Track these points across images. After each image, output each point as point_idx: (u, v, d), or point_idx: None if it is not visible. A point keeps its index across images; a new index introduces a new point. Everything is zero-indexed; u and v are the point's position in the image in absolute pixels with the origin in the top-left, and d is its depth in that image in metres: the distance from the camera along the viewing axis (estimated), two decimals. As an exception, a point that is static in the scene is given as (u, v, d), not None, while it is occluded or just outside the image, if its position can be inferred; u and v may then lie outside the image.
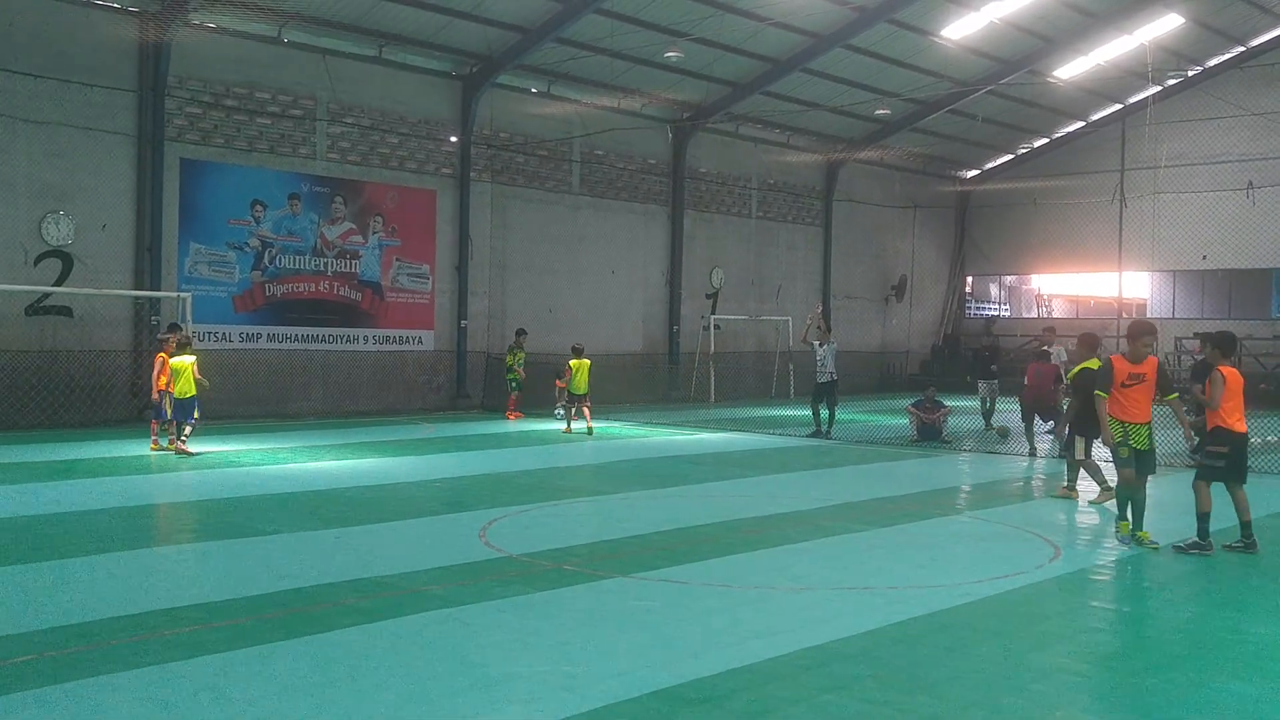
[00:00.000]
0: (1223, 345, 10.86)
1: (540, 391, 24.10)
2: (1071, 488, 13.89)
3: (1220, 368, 10.45)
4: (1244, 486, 10.47)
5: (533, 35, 24.75)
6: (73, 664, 6.42)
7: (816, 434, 20.83)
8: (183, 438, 16.45)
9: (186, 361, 16.43)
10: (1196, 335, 34.69)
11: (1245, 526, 10.44)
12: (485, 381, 26.15)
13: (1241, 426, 10.38)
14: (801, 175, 34.88)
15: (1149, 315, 38.76)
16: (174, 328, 18.25)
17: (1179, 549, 10.29)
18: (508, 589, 8.46)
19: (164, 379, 16.51)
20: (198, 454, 16.31)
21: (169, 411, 16.58)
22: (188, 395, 16.36)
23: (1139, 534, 10.46)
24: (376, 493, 13.46)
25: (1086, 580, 9.22)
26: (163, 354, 16.79)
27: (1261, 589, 9.05)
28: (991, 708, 6.01)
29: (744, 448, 19.34)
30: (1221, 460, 10.34)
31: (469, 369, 26.33)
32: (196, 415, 16.60)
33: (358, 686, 6.13)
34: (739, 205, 33.14)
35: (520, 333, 24.65)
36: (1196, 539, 10.28)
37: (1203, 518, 10.27)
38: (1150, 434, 10.30)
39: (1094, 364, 12.98)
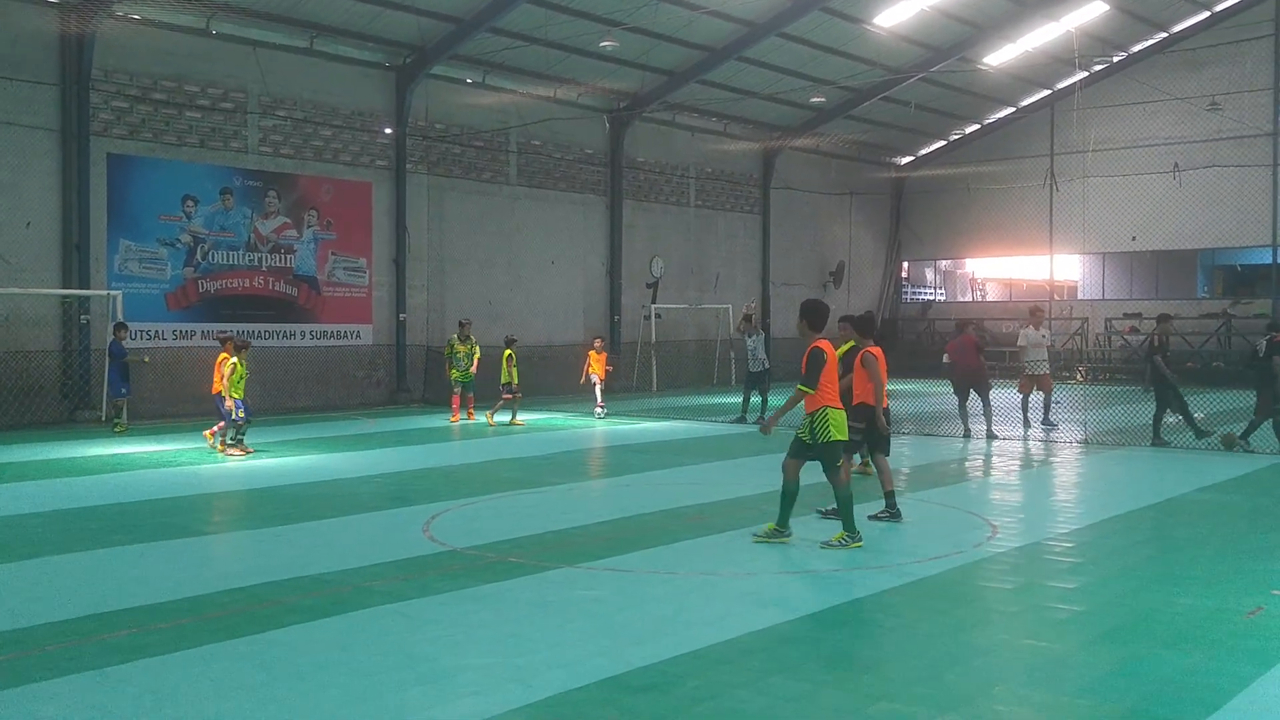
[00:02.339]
0: (863, 327, 11.29)
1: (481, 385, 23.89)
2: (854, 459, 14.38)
3: (870, 348, 11.07)
4: (887, 457, 11.19)
5: (466, 25, 24.56)
6: (7, 672, 6.29)
7: (740, 420, 20.89)
8: (223, 436, 16.38)
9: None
10: (1132, 316, 35.54)
11: (889, 496, 10.95)
12: (425, 375, 25.97)
13: (883, 402, 11.12)
14: (739, 164, 35.03)
15: (1080, 297, 39.55)
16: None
17: (873, 518, 10.75)
18: (453, 583, 8.42)
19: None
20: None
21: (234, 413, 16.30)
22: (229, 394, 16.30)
23: (770, 526, 9.85)
24: (317, 489, 13.31)
25: (1024, 558, 9.39)
26: (224, 355, 16.44)
27: (1189, 562, 9.28)
28: (935, 684, 6.11)
29: (687, 436, 19.40)
30: (858, 434, 10.87)
31: (409, 363, 26.13)
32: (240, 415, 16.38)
33: (302, 685, 6.07)
34: (677, 194, 33.20)
35: (462, 323, 22.53)
36: (889, 507, 10.87)
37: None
38: (816, 421, 9.58)
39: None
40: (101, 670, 6.30)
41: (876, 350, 11.27)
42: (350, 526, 10.85)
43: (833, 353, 9.80)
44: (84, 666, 6.36)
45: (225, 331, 17.97)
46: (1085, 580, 8.63)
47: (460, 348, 21.83)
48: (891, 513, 10.90)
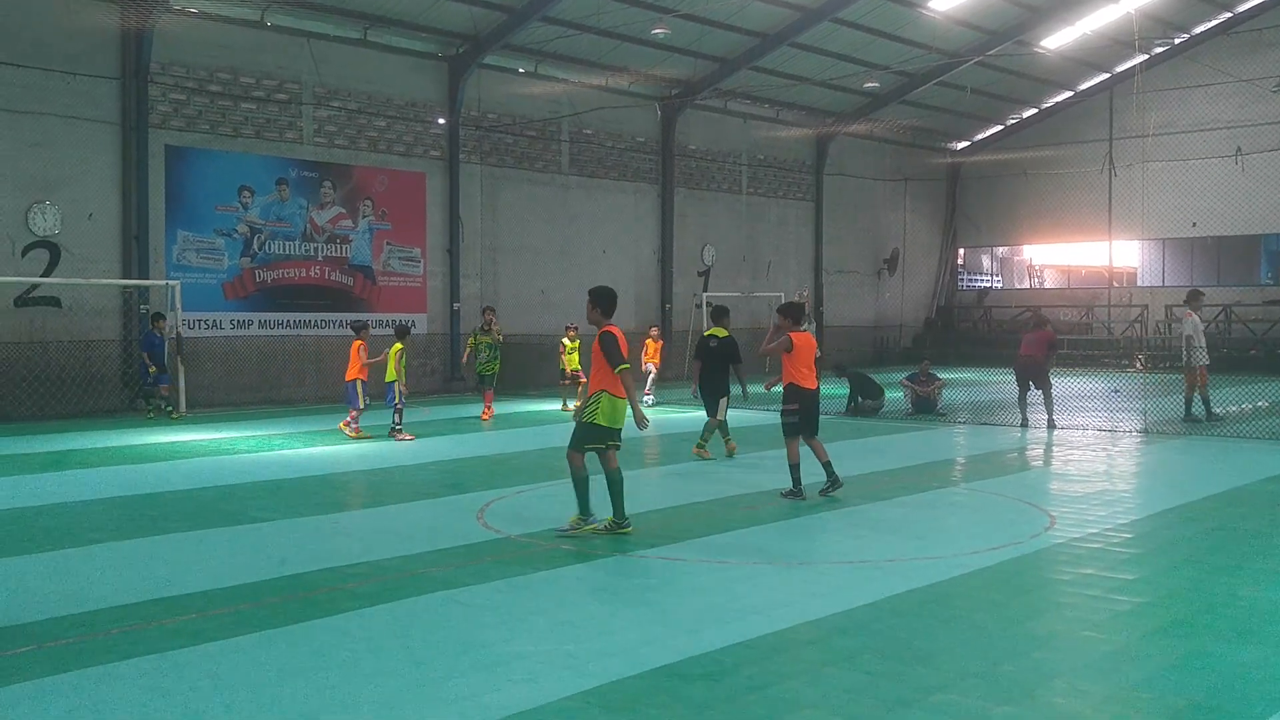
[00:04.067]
0: (791, 314, 11.97)
1: (521, 374, 23.95)
2: (702, 447, 14.79)
3: (791, 334, 11.58)
4: (816, 437, 11.62)
5: (519, 14, 24.61)
6: (72, 654, 6.41)
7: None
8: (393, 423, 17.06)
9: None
10: (1193, 299, 34.80)
11: (826, 467, 11.57)
12: (478, 364, 26.11)
13: (811, 384, 11.56)
14: (791, 150, 34.79)
15: (1139, 283, 38.81)
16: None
17: (784, 495, 11.44)
18: (506, 570, 8.45)
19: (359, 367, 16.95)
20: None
21: (363, 400, 16.98)
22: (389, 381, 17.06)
23: (575, 518, 9.81)
24: (372, 477, 13.45)
25: (1083, 548, 9.24)
26: (359, 342, 17.11)
27: (1254, 553, 9.08)
28: (990, 677, 6.03)
29: (738, 424, 19.31)
30: (795, 416, 11.51)
31: (462, 352, 26.25)
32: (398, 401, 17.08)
33: (358, 671, 6.12)
34: (729, 182, 33.05)
35: (486, 310, 21.22)
36: (793, 488, 11.46)
37: (794, 468, 11.51)
38: (589, 401, 9.70)
39: (721, 332, 14.67)
40: (162, 654, 6.40)
41: (796, 335, 11.67)
42: (406, 513, 10.93)
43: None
44: (146, 650, 6.46)
45: (360, 320, 18.42)
46: (1146, 571, 8.47)
47: (483, 339, 20.23)
48: (832, 481, 11.55)
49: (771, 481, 12.74)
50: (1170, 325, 34.85)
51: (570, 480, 9.82)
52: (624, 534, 9.62)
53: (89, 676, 6.02)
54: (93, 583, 8.11)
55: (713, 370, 14.88)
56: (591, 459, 9.69)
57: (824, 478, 11.62)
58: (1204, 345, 18.77)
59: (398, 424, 17.01)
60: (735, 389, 15.12)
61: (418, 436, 17.22)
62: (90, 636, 6.77)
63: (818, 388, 11.75)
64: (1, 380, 19.44)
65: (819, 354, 12.09)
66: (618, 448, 9.70)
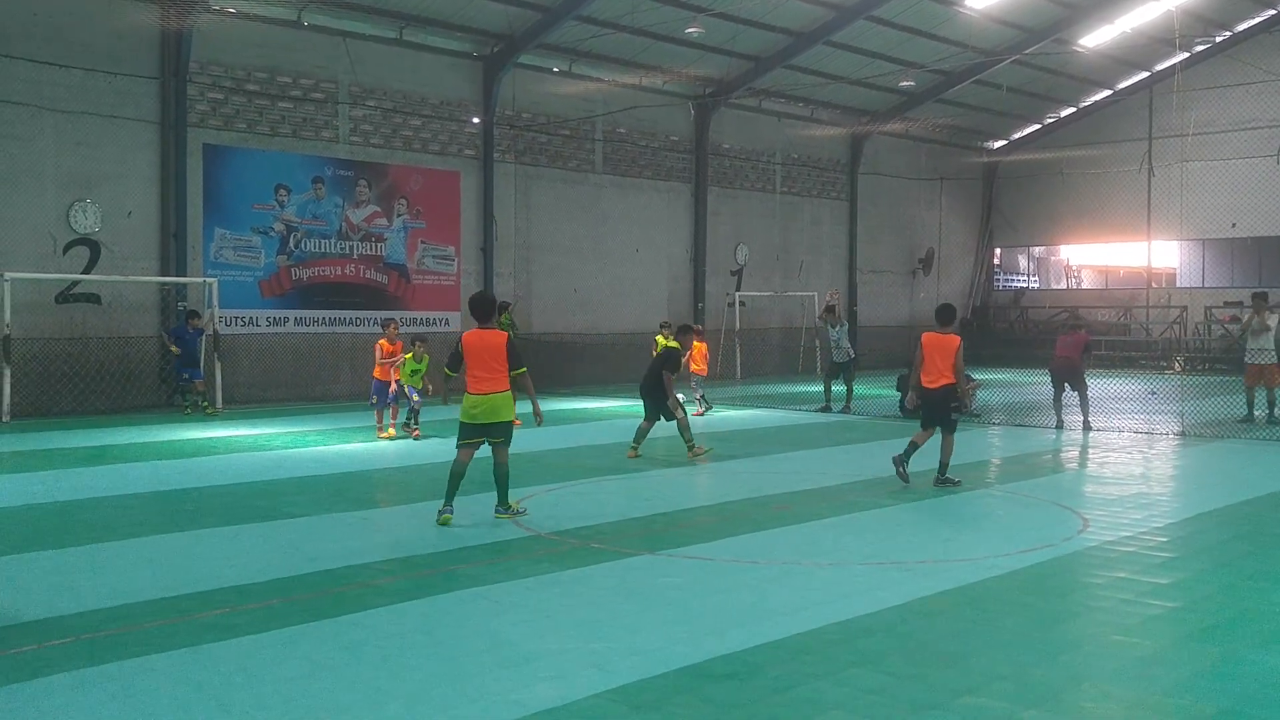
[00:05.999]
0: (942, 318, 12.72)
1: (553, 373, 23.92)
2: (692, 447, 14.73)
3: (925, 334, 12.50)
4: (937, 430, 12.46)
5: (553, 14, 24.66)
6: (108, 646, 6.51)
7: (825, 409, 20.95)
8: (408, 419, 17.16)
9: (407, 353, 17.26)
10: (1233, 304, 34.40)
11: (910, 447, 12.51)
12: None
13: (926, 383, 12.40)
14: (826, 149, 34.66)
15: (1178, 284, 38.35)
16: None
17: (940, 483, 12.34)
18: (536, 567, 8.50)
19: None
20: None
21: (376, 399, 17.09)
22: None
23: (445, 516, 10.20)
24: (404, 474, 13.55)
25: (1115, 552, 9.16)
26: (382, 342, 17.22)
27: (1294, 559, 8.97)
28: (1020, 680, 6.00)
29: (770, 424, 19.30)
30: (917, 411, 12.78)
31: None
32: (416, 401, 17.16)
33: (387, 667, 6.18)
34: (763, 181, 32.98)
35: (503, 306, 20.40)
36: (939, 475, 12.47)
37: (912, 448, 12.55)
38: (486, 405, 10.17)
39: (674, 344, 15.70)
40: (195, 647, 6.49)
41: (927, 336, 12.48)
42: (436, 510, 10.99)
43: (473, 342, 10.29)
44: (180, 643, 6.56)
45: (392, 319, 18.54)
46: (1179, 576, 8.39)
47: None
48: (943, 478, 12.48)
49: (801, 482, 12.73)
50: (1210, 327, 34.38)
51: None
52: (508, 518, 10.28)
53: (125, 668, 6.12)
54: (129, 576, 8.23)
55: (654, 377, 15.23)
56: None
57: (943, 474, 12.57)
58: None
59: (396, 419, 17.08)
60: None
61: (435, 435, 17.23)
62: (126, 629, 6.87)
63: (935, 386, 12.30)
64: (42, 375, 19.73)
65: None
66: (498, 442, 10.28)
